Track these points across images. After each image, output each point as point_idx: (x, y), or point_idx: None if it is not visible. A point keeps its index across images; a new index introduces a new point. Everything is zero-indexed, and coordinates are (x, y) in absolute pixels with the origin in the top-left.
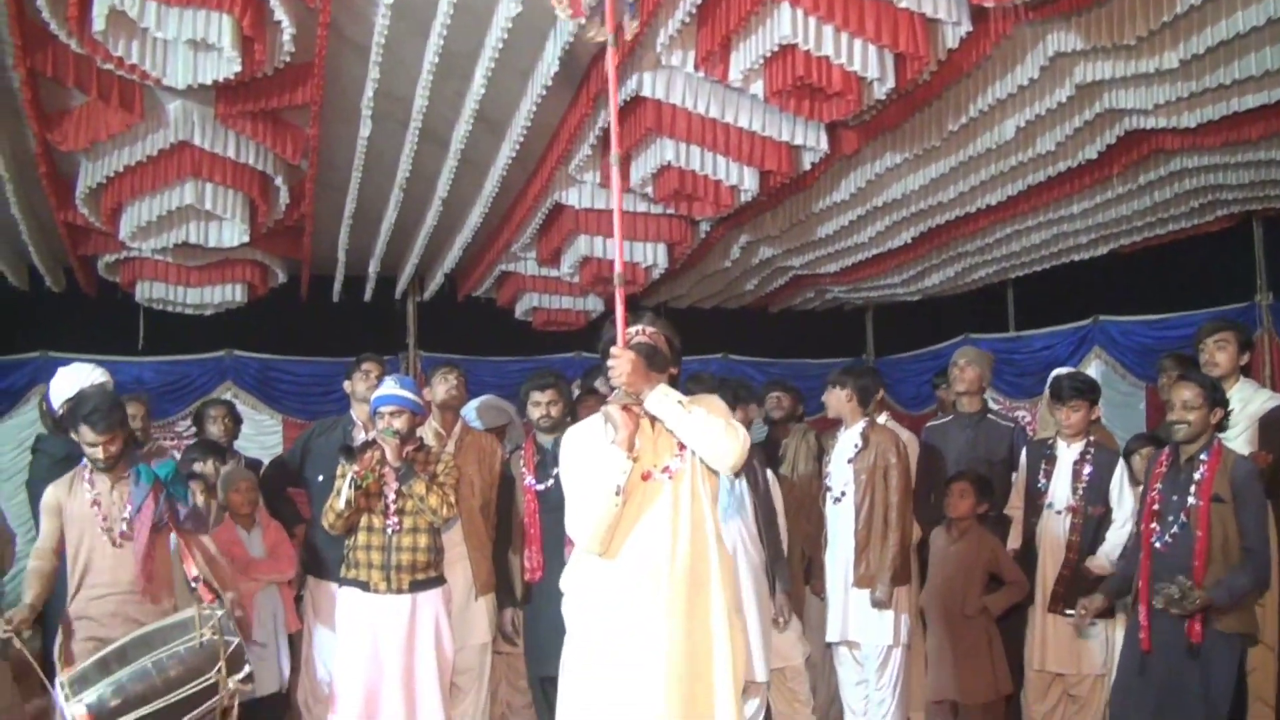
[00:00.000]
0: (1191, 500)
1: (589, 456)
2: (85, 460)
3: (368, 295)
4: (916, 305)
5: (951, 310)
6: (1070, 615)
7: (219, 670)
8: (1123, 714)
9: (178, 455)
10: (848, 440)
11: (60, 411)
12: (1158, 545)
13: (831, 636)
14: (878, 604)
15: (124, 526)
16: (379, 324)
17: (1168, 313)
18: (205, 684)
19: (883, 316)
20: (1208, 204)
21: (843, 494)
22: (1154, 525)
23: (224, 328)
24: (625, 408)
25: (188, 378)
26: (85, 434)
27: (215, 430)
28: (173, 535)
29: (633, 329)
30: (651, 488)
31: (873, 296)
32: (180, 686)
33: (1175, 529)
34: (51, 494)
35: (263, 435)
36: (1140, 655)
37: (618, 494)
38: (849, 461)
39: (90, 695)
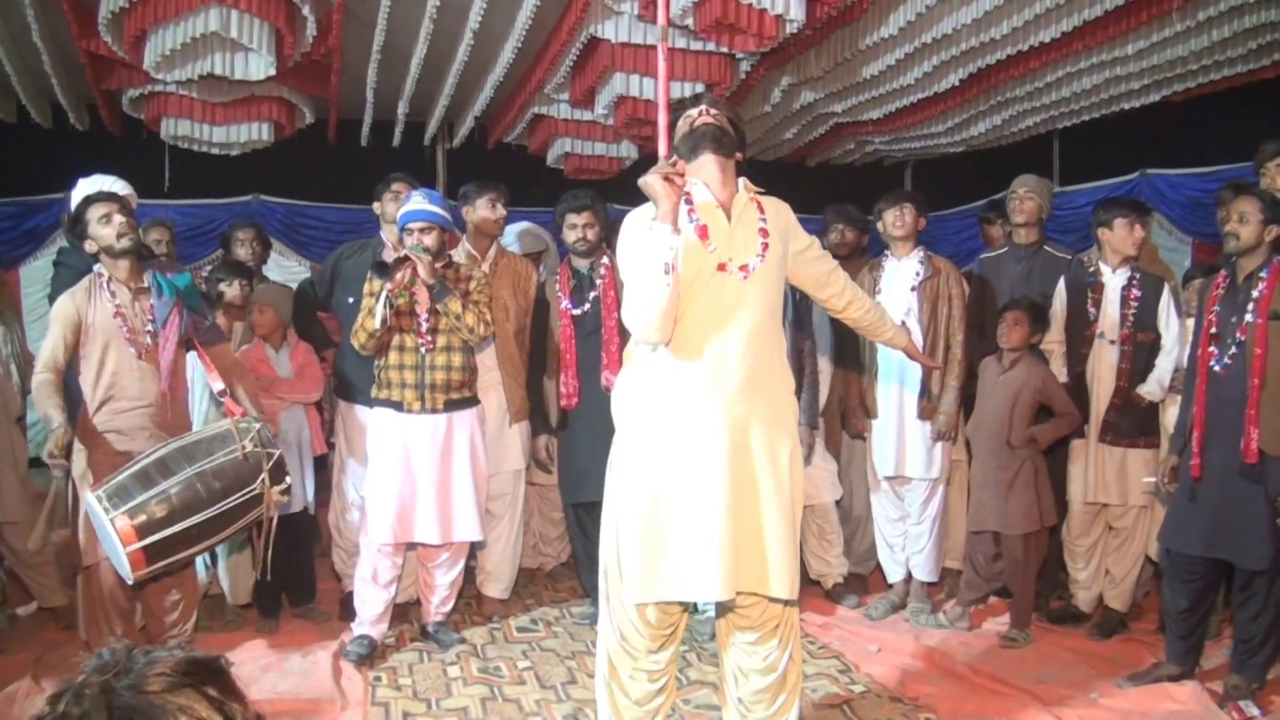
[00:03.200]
0: (1249, 318)
1: (641, 238)
2: (97, 269)
3: (396, 140)
4: (957, 160)
5: (994, 164)
6: (1119, 446)
7: (262, 481)
8: (1175, 544)
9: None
10: (906, 268)
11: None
12: (1216, 369)
13: (886, 470)
14: (941, 435)
15: (149, 341)
16: (407, 171)
17: (1219, 165)
18: (250, 495)
19: (923, 172)
20: (1265, 45)
21: (902, 323)
22: (1211, 349)
23: (251, 172)
24: (666, 177)
25: (214, 221)
26: (98, 209)
27: (243, 253)
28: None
29: (694, 110)
30: (725, 283)
31: (914, 149)
32: (225, 498)
33: (1233, 350)
34: (68, 302)
35: (289, 281)
36: (1191, 483)
37: (667, 273)
38: (912, 289)
39: (133, 507)
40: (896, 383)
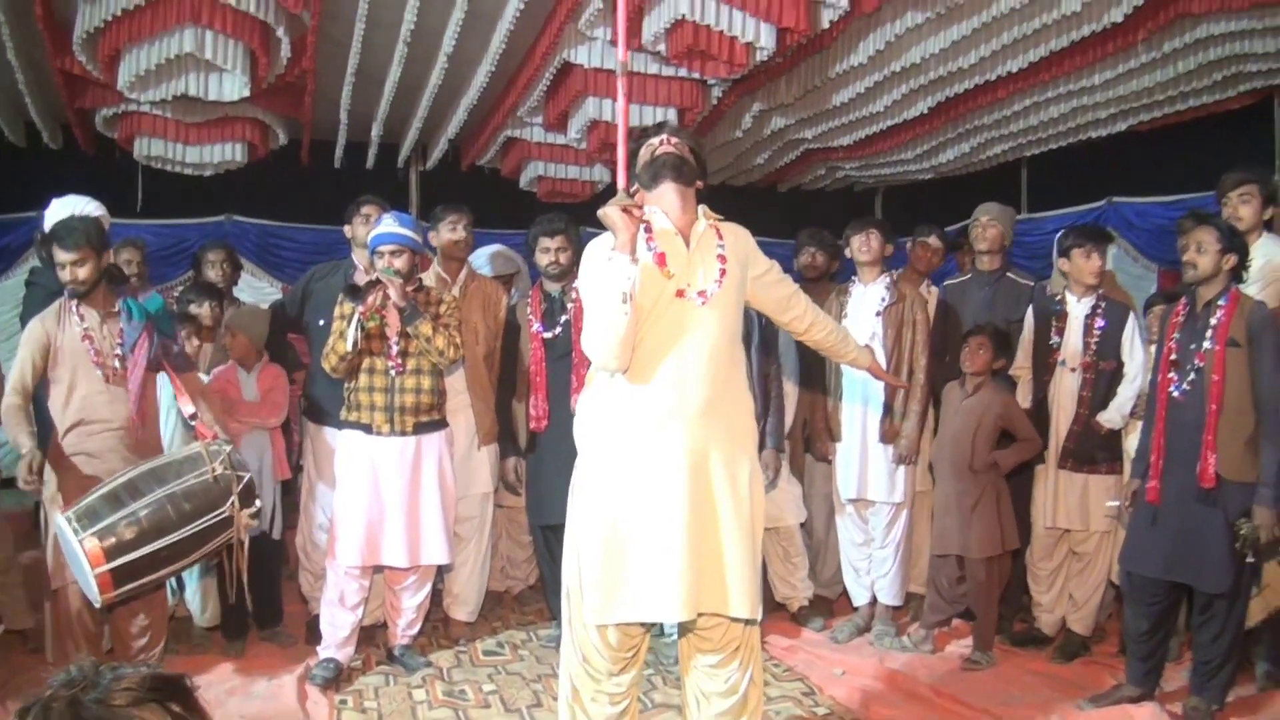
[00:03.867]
0: (1208, 345)
1: (601, 267)
2: (69, 292)
3: (370, 162)
4: (927, 185)
5: (963, 191)
6: (1080, 472)
7: (232, 504)
8: (1135, 567)
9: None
10: (872, 294)
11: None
12: (1175, 394)
13: (848, 493)
14: (903, 459)
15: (117, 364)
16: (381, 193)
17: (1184, 194)
18: (219, 518)
19: (893, 197)
20: (1230, 77)
21: (867, 347)
22: (1171, 375)
23: (223, 192)
24: (625, 209)
25: (186, 241)
26: (57, 254)
27: (214, 275)
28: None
29: (655, 138)
30: (684, 308)
31: (884, 175)
32: (195, 520)
33: (1192, 376)
34: (39, 326)
35: (261, 302)
36: (1151, 508)
37: (625, 302)
38: (877, 314)
39: (102, 529)
40: (860, 406)
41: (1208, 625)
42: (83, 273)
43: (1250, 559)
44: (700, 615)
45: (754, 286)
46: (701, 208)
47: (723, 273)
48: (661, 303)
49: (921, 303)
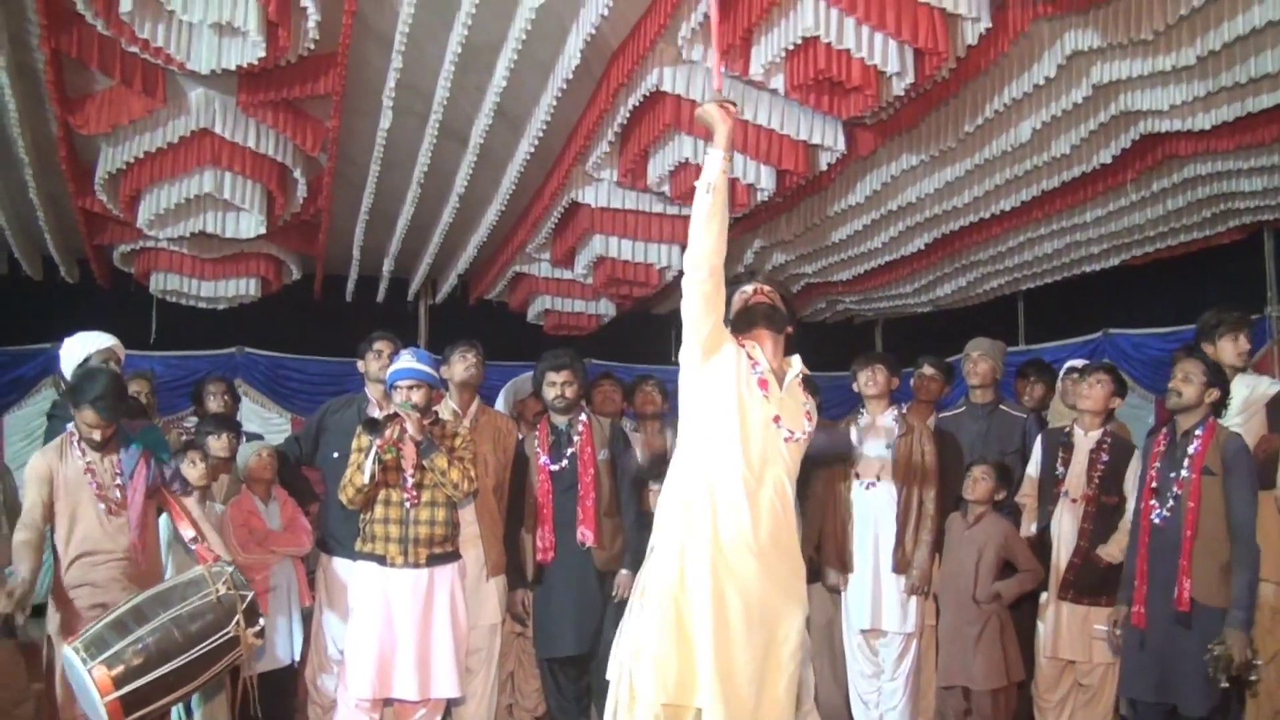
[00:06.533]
0: (1185, 473)
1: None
2: (69, 428)
3: (380, 296)
4: (926, 318)
5: (962, 323)
6: (1081, 604)
7: (237, 623)
8: (1131, 693)
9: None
10: (881, 426)
11: (68, 380)
12: (1156, 521)
13: (861, 624)
14: (915, 589)
15: (118, 495)
16: (391, 325)
17: (1179, 325)
18: (225, 638)
19: (893, 329)
20: (1219, 214)
21: (878, 479)
22: (1152, 502)
23: (235, 324)
24: (721, 105)
25: (198, 373)
26: (88, 416)
27: (215, 406)
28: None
29: (748, 287)
30: (775, 437)
31: (883, 308)
32: (202, 641)
33: (1171, 503)
34: (41, 461)
35: (271, 433)
36: (1138, 632)
37: (708, 192)
38: (887, 446)
39: (110, 656)
40: (872, 536)
41: None
42: (111, 432)
43: (1224, 683)
44: None
45: None
46: (795, 357)
47: (810, 427)
48: (761, 422)
49: (930, 434)
